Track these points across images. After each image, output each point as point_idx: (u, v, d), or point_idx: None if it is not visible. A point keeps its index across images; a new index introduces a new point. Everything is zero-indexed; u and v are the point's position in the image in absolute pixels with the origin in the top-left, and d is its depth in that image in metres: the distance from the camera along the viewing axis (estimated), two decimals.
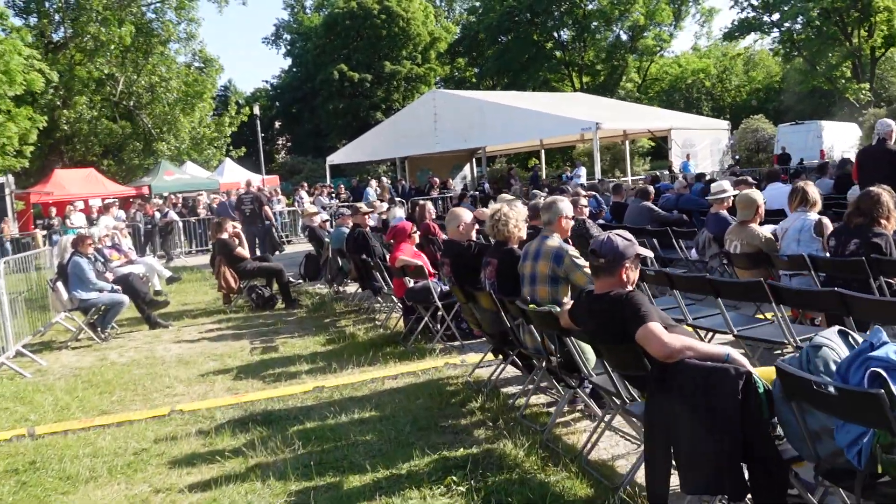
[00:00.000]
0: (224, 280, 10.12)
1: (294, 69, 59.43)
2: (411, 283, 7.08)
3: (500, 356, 5.60)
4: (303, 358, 7.07)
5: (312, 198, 23.05)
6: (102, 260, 10.88)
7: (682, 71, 50.60)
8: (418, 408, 5.15)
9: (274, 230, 16.18)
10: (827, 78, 44.88)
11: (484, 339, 7.01)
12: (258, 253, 15.96)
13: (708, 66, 51.92)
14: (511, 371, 5.63)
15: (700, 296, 5.65)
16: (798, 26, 43.62)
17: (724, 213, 7.74)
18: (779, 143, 29.54)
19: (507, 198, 10.47)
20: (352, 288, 11.23)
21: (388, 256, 8.87)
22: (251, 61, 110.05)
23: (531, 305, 4.38)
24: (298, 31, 60.25)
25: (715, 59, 53.91)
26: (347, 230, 10.00)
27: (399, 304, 8.14)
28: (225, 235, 10.31)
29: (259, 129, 29.12)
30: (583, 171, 26.11)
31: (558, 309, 4.12)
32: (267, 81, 67.84)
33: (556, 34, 49.36)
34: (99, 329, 8.93)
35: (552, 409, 4.91)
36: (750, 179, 9.42)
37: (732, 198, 7.75)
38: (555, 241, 4.68)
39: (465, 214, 5.84)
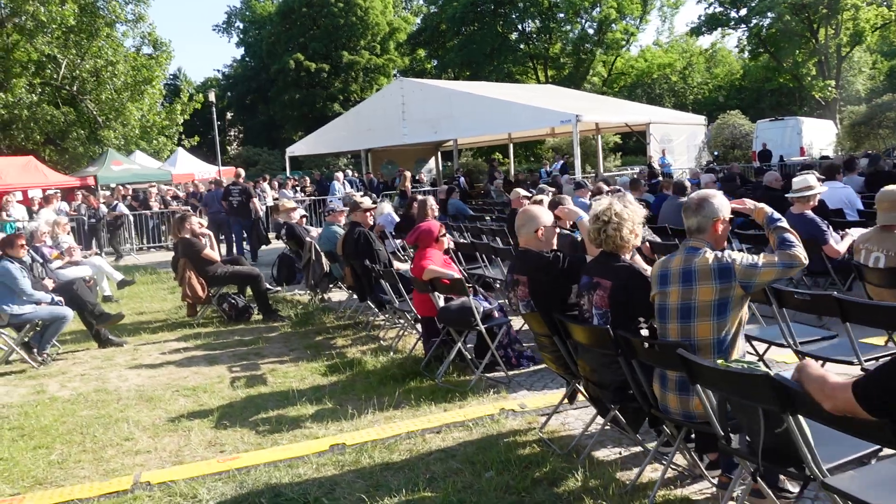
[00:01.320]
0: (189, 287, 8.45)
1: (247, 58, 57.13)
2: (441, 301, 5.59)
3: (567, 398, 4.23)
4: (303, 394, 5.52)
5: (275, 191, 21.27)
6: (41, 261, 9.12)
7: (647, 66, 49.83)
8: (489, 489, 3.67)
9: (260, 224, 14.82)
10: (793, 75, 44.61)
11: (531, 366, 5.61)
12: (244, 248, 14.70)
13: (674, 62, 51.28)
14: (582, 410, 4.17)
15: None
16: (766, 22, 43.16)
17: (810, 213, 6.44)
18: (758, 139, 28.78)
19: (548, 190, 9.06)
20: (338, 295, 9.70)
21: (393, 262, 7.38)
22: (201, 50, 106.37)
23: (720, 361, 2.93)
24: (252, 18, 57.93)
25: (678, 55, 53.33)
26: (340, 229, 8.46)
27: (413, 321, 6.66)
28: (188, 233, 8.64)
29: (215, 117, 27.06)
30: (561, 164, 24.82)
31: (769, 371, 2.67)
32: (218, 70, 65.39)
33: (520, 26, 48.09)
34: (35, 350, 7.22)
35: (690, 491, 3.49)
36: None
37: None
38: (709, 253, 3.24)
39: (545, 215, 4.31)
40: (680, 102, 52.05)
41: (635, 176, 16.35)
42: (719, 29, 46.20)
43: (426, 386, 5.47)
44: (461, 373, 5.68)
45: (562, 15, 46.68)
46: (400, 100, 25.83)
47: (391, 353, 6.51)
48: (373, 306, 7.75)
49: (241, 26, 59.39)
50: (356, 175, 25.62)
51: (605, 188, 9.51)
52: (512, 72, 45.24)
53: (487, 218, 13.15)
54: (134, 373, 6.70)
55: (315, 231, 11.17)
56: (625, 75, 49.76)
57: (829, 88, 43.42)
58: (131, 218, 18.06)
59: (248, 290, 9.12)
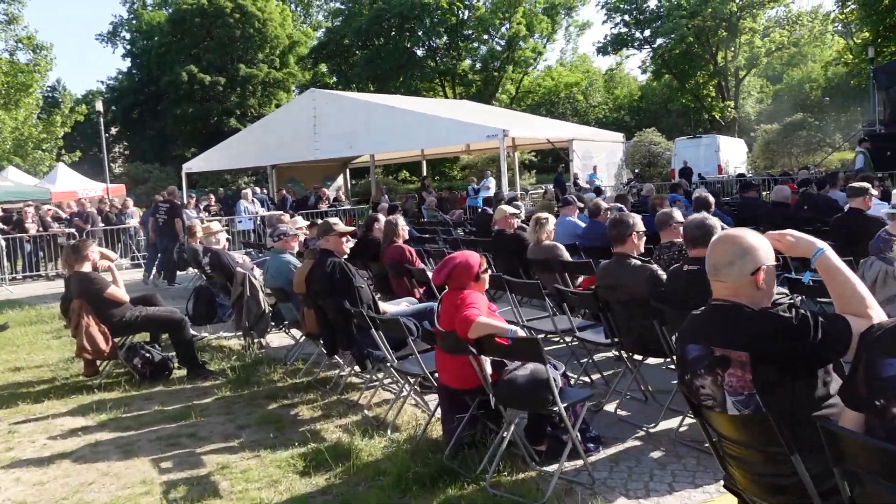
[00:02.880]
0: (88, 338, 6.30)
1: (134, 70, 53.29)
2: (487, 366, 3.83)
3: None
4: None
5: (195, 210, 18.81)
6: None
7: (554, 84, 49.65)
8: None
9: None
10: (695, 95, 45.40)
11: (600, 450, 3.94)
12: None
13: (580, 81, 51.39)
14: None
15: None
16: (668, 42, 43.64)
17: None
18: (677, 156, 28.48)
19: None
20: (277, 339, 7.77)
21: (379, 304, 5.58)
22: (82, 61, 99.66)
23: None
24: (139, 28, 54.17)
25: (581, 75, 53.57)
26: (294, 258, 6.59)
27: (419, 388, 4.89)
28: (88, 266, 6.52)
29: (103, 128, 24.18)
30: (492, 182, 23.47)
31: None
32: (102, 82, 60.91)
33: (428, 42, 46.85)
34: None
35: None
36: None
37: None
38: None
39: (762, 246, 2.57)
40: (582, 121, 52.23)
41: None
42: (624, 49, 46.54)
43: (471, 492, 3.71)
44: (510, 466, 3.95)
45: (470, 32, 45.79)
46: (311, 112, 23.85)
47: (389, 433, 4.69)
48: (342, 360, 5.90)
49: (128, 36, 55.52)
50: (265, 192, 23.35)
51: (604, 205, 8.02)
52: (419, 88, 43.84)
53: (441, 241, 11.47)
54: (10, 476, 4.58)
55: (239, 256, 9.18)
56: (531, 93, 49.35)
57: (729, 109, 44.44)
58: (2, 243, 15.27)
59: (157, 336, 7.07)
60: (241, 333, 7.82)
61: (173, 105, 45.27)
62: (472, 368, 3.86)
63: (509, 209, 7.72)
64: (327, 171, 29.66)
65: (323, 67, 50.38)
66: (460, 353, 3.88)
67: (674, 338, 4.00)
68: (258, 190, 22.37)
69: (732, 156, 29.57)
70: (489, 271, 4.23)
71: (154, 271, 14.23)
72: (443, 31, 45.32)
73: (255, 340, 7.58)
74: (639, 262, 4.46)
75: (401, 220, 7.45)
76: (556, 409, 3.56)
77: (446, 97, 44.71)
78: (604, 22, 52.53)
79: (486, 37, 46.42)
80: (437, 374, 4.41)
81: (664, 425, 4.50)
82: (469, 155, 34.00)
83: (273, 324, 7.65)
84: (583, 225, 8.35)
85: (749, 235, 2.43)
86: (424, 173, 31.61)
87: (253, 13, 46.78)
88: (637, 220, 4.58)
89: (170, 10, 50.99)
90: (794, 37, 48.93)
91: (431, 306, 5.65)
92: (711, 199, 7.37)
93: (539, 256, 7.06)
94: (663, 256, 5.70)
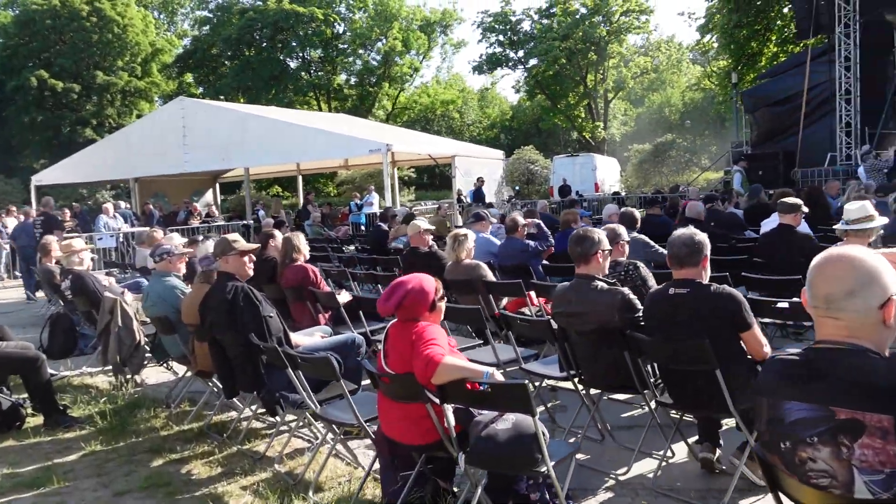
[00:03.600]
0: None
1: None
2: (451, 416, 3.10)
3: None
4: None
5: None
6: None
7: (431, 101, 49.55)
8: None
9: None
10: (566, 116, 46.58)
11: None
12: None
13: (456, 99, 51.60)
14: None
15: None
16: (541, 64, 44.52)
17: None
18: (555, 174, 28.86)
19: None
20: (155, 374, 6.70)
21: (291, 336, 4.72)
22: None
23: None
24: None
25: (456, 93, 53.87)
26: (180, 282, 5.60)
27: (341, 436, 4.08)
28: None
29: None
30: (375, 197, 22.71)
31: None
32: None
33: (302, 54, 45.55)
34: None
35: None
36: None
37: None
38: None
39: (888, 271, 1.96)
40: (458, 139, 52.50)
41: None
42: (499, 68, 47.15)
43: None
44: None
45: (346, 46, 44.94)
46: (180, 122, 22.32)
47: (312, 494, 3.85)
48: (240, 401, 4.98)
49: None
50: (129, 207, 21.50)
51: (522, 220, 7.48)
52: (293, 101, 42.45)
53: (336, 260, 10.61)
54: None
55: (104, 278, 8.02)
56: (408, 110, 49.04)
57: (599, 130, 45.93)
58: None
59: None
60: (109, 369, 6.69)
61: (20, 112, 41.62)
62: (429, 420, 3.12)
63: (423, 224, 7.03)
64: (196, 185, 27.96)
65: (189, 77, 48.00)
66: (414, 400, 3.13)
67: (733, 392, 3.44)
68: (121, 204, 20.50)
69: (607, 174, 30.33)
70: (445, 298, 3.51)
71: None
72: (318, 43, 44.21)
73: (129, 378, 6.46)
74: (606, 286, 3.88)
75: (301, 237, 6.59)
76: (543, 469, 2.88)
77: (321, 112, 43.65)
78: (479, 41, 53.22)
79: (361, 51, 45.75)
80: (373, 423, 3.63)
81: (637, 470, 3.93)
82: (347, 170, 33.07)
83: (151, 357, 6.59)
84: (498, 242, 7.78)
85: (869, 256, 1.85)
86: (301, 188, 30.40)
87: (112, 17, 43.89)
88: (603, 236, 4.01)
89: (17, 11, 46.99)
90: (654, 63, 51.33)
91: (352, 338, 4.87)
92: (637, 214, 7.00)
93: (459, 277, 6.40)
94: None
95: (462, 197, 24.52)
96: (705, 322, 3.41)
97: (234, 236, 4.71)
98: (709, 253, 3.60)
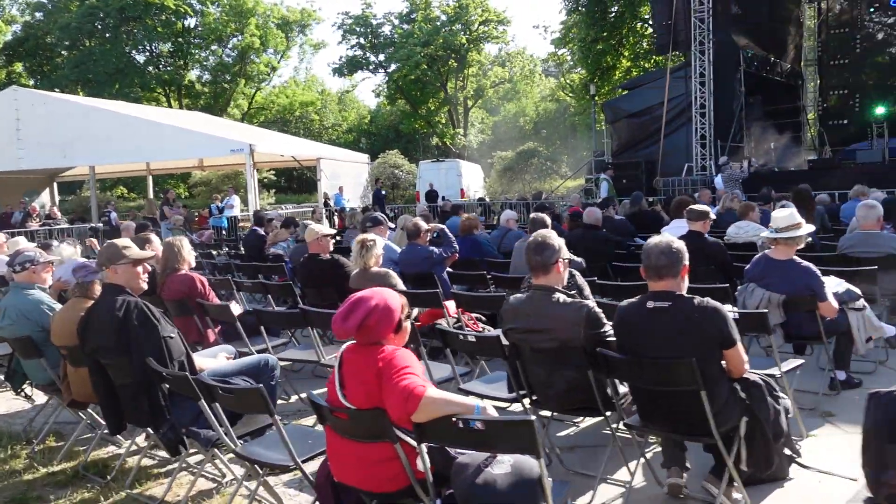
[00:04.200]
0: None
1: None
2: (425, 456, 2.60)
3: None
4: None
5: None
6: None
7: (290, 102, 48.05)
8: None
9: None
10: (427, 121, 46.68)
11: None
12: None
13: (316, 100, 50.36)
14: None
15: None
16: (402, 68, 44.38)
17: (800, 259, 4.84)
18: (421, 179, 28.69)
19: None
20: (3, 403, 5.74)
21: (194, 359, 4.05)
22: None
23: None
24: None
25: (316, 94, 52.67)
26: (46, 296, 4.73)
27: (259, 474, 3.48)
28: None
29: None
30: (236, 200, 21.53)
31: None
32: None
33: (150, 46, 42.81)
34: None
35: None
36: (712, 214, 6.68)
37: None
38: None
39: None
40: (315, 142, 51.35)
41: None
42: (359, 71, 46.54)
43: None
44: None
45: (199, 39, 42.71)
46: (13, 115, 20.24)
47: None
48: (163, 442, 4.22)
49: None
50: None
51: (424, 225, 7.05)
52: (140, 97, 39.77)
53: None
54: None
55: None
56: (265, 110, 47.34)
57: (459, 136, 46.40)
58: None
59: None
60: None
61: None
62: (396, 463, 2.62)
63: (322, 228, 6.42)
64: (29, 185, 25.57)
65: (19, 67, 43.92)
66: (380, 439, 2.62)
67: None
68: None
69: (472, 180, 30.50)
70: (411, 316, 3.01)
71: None
72: (168, 36, 41.72)
73: None
74: (568, 298, 3.52)
75: (186, 242, 5.83)
76: None
77: (171, 108, 41.24)
78: (339, 43, 52.33)
79: (215, 46, 43.66)
80: (309, 462, 3.08)
81: (601, 498, 3.60)
82: (202, 171, 31.33)
83: (6, 387, 5.61)
84: (398, 249, 7.32)
85: None
86: (151, 189, 28.41)
87: None
88: (562, 243, 3.65)
89: None
90: (509, 73, 52.54)
91: (265, 360, 4.23)
92: (549, 219, 6.76)
93: (365, 286, 5.85)
94: None
95: (328, 200, 23.83)
96: (688, 338, 3.13)
97: (124, 241, 3.97)
98: (687, 262, 3.33)
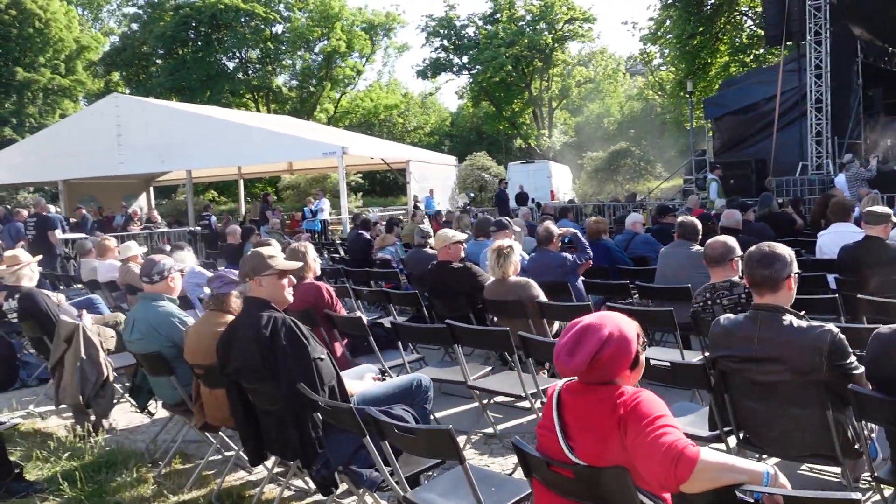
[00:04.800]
0: None
1: None
2: None
3: None
4: None
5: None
6: None
7: (374, 105, 48.24)
8: None
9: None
10: (511, 123, 46.03)
11: None
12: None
13: (399, 103, 50.44)
14: None
15: None
16: (486, 70, 43.86)
17: None
18: (511, 180, 28.13)
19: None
20: (123, 416, 5.46)
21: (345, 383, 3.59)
22: None
23: None
24: None
25: (400, 97, 52.75)
26: (176, 308, 4.39)
27: None
28: None
29: None
30: (326, 203, 21.49)
31: None
32: None
33: (240, 53, 43.66)
34: None
35: None
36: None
37: None
38: None
39: None
40: (398, 145, 51.44)
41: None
42: (443, 73, 46.30)
43: None
44: None
45: (286, 45, 43.31)
46: (114, 121, 20.65)
47: None
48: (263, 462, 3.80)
49: None
50: (59, 212, 19.63)
51: (556, 230, 6.48)
52: (231, 103, 40.55)
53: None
54: None
55: (54, 296, 6.67)
56: (350, 114, 47.65)
57: (544, 137, 45.56)
58: None
59: None
60: (65, 408, 5.41)
61: None
62: None
63: (455, 234, 5.92)
64: (128, 189, 26.20)
65: (116, 76, 45.53)
66: (604, 499, 2.07)
67: None
68: (51, 208, 18.68)
69: (561, 182, 29.78)
70: (646, 347, 2.46)
71: None
72: (256, 42, 42.44)
73: (94, 423, 5.18)
74: (804, 322, 2.90)
75: (311, 248, 5.42)
76: None
77: (260, 113, 41.96)
78: (423, 45, 52.33)
79: (302, 51, 44.17)
80: None
81: None
82: (291, 174, 31.58)
83: (122, 397, 5.34)
84: (526, 256, 6.78)
85: None
86: (242, 193, 28.77)
87: (33, 11, 41.20)
88: (792, 254, 3.03)
89: None
90: (592, 73, 51.31)
91: (417, 380, 3.76)
92: (700, 225, 6.10)
93: (503, 297, 5.36)
94: (719, 301, 4.24)
95: (418, 203, 23.55)
96: None
97: (269, 250, 3.56)
98: None
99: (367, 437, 2.88)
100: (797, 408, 2.94)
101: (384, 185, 43.89)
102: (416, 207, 23.49)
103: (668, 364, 3.54)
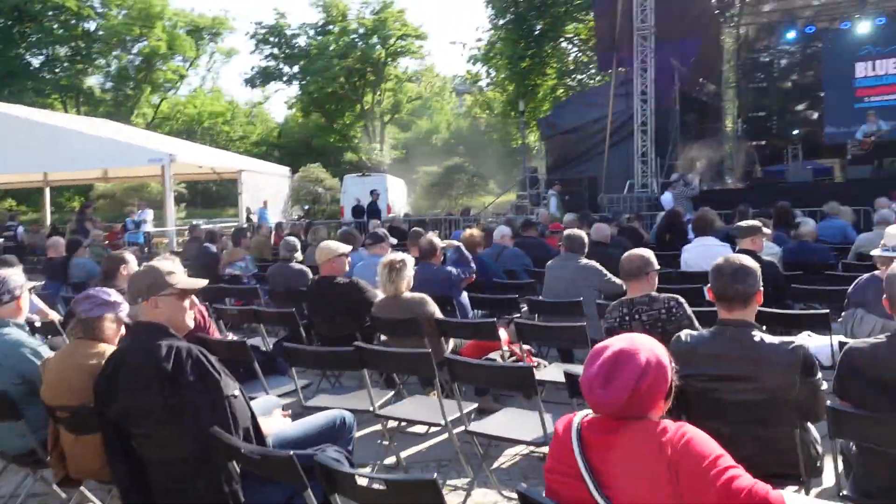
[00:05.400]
0: None
1: None
2: None
3: None
4: None
5: None
6: None
7: (198, 112, 45.71)
8: None
9: None
10: (342, 135, 45.45)
11: None
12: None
13: (225, 111, 48.19)
14: None
15: None
16: (318, 81, 42.94)
17: None
18: (346, 193, 27.67)
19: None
20: None
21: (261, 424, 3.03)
22: None
23: None
24: None
25: (226, 105, 50.49)
26: (26, 336, 3.58)
27: None
28: None
29: None
30: (149, 214, 19.92)
31: None
32: None
33: (47, 49, 39.78)
34: None
35: None
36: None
37: None
38: None
39: None
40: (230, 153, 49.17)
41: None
42: (272, 83, 44.94)
43: None
44: None
45: (100, 44, 40.04)
46: None
47: None
48: None
49: None
50: None
51: (440, 243, 6.18)
52: (35, 103, 36.80)
53: None
54: None
55: None
56: (170, 120, 44.87)
57: (375, 151, 45.43)
58: None
59: None
60: None
61: None
62: None
63: (339, 246, 5.42)
64: None
65: None
66: None
67: None
68: None
69: (397, 196, 29.66)
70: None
71: None
72: (67, 38, 38.88)
73: None
74: (775, 338, 2.76)
75: (177, 263, 4.73)
76: None
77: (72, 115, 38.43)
78: (252, 53, 50.45)
79: (118, 51, 41.05)
80: None
81: None
82: (106, 182, 29.08)
83: None
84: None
85: None
86: (48, 202, 26.07)
87: None
88: (758, 267, 2.90)
89: None
90: (420, 89, 51.94)
91: (341, 417, 3.27)
92: (585, 237, 6.02)
93: (396, 315, 4.96)
94: (638, 317, 4.11)
95: (251, 215, 22.48)
96: None
97: (167, 265, 2.94)
98: None
99: (309, 489, 2.38)
100: (766, 427, 2.81)
101: (208, 195, 41.75)
102: (248, 220, 22.42)
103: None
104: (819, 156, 20.89)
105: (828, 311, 4.72)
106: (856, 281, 4.57)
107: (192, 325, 2.97)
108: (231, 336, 5.31)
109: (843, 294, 5.32)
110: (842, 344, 3.93)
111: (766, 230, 5.85)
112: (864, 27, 20.73)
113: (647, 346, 1.92)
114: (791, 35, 23.16)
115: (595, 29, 22.27)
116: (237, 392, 2.81)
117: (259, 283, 8.32)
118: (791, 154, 21.32)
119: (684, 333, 2.96)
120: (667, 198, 16.28)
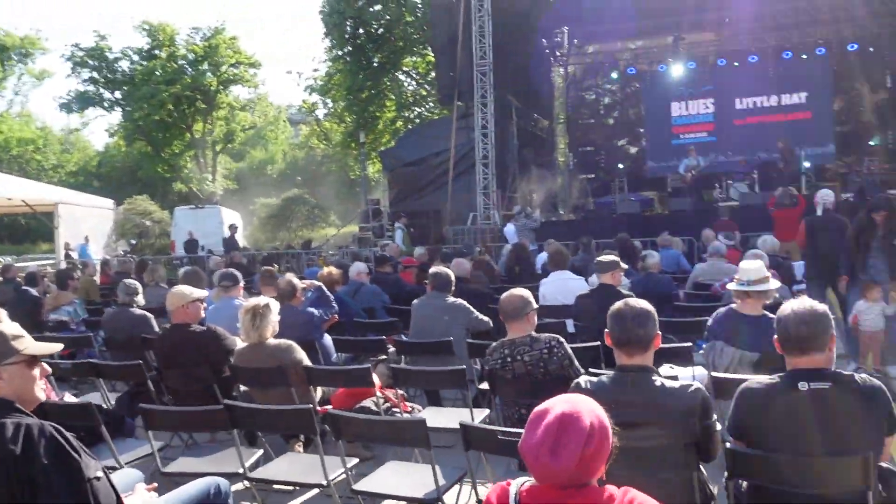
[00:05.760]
0: None
1: None
2: None
3: None
4: None
5: None
6: None
7: (4, 139, 41.67)
8: None
9: None
10: (170, 165, 43.22)
11: None
12: None
13: (36, 138, 44.33)
14: None
15: None
16: (143, 108, 40.60)
17: (770, 315, 4.54)
18: (177, 227, 26.26)
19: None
20: None
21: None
22: None
23: None
24: None
25: (37, 131, 46.55)
26: None
27: None
28: None
29: None
30: None
31: None
32: None
33: None
34: None
35: None
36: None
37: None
38: None
39: None
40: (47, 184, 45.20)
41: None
42: (91, 108, 42.02)
43: None
44: None
45: None
46: None
47: None
48: None
49: None
50: None
51: (299, 284, 5.86)
52: None
53: None
54: None
55: None
56: None
57: (207, 182, 43.63)
58: None
59: None
60: None
61: None
62: None
63: (193, 291, 4.95)
64: None
65: None
66: None
67: None
68: None
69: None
70: None
71: None
72: None
73: None
74: (675, 382, 2.76)
75: (3, 314, 4.14)
76: None
77: None
78: (68, 76, 46.94)
79: None
80: None
81: None
82: None
83: None
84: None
85: None
86: None
87: None
88: (654, 311, 2.89)
89: None
90: (254, 118, 50.64)
91: (215, 485, 2.92)
92: (453, 276, 5.94)
93: (260, 364, 4.62)
94: (520, 358, 4.05)
95: (70, 251, 20.73)
96: (859, 426, 2.52)
97: (10, 328, 2.48)
98: (833, 332, 2.73)
99: None
100: (666, 471, 2.79)
101: (15, 230, 38.17)
102: (67, 256, 20.70)
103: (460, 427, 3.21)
104: (642, 188, 22.35)
105: (690, 343, 4.91)
106: (714, 314, 4.78)
107: (42, 397, 2.52)
108: (67, 395, 4.72)
109: (694, 325, 5.58)
110: (712, 377, 4.08)
111: (622, 265, 6.03)
112: (677, 70, 22.58)
113: (588, 408, 1.81)
114: (614, 75, 24.86)
115: (435, 64, 22.71)
116: (100, 473, 2.41)
117: (89, 329, 7.58)
118: (618, 186, 22.71)
119: (583, 380, 2.91)
120: (510, 230, 16.74)
